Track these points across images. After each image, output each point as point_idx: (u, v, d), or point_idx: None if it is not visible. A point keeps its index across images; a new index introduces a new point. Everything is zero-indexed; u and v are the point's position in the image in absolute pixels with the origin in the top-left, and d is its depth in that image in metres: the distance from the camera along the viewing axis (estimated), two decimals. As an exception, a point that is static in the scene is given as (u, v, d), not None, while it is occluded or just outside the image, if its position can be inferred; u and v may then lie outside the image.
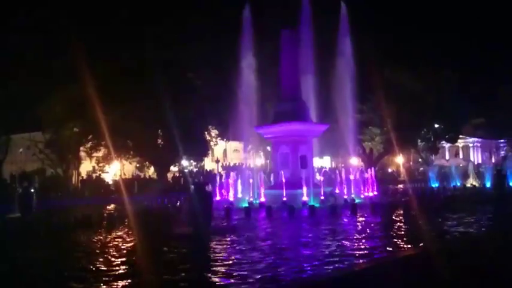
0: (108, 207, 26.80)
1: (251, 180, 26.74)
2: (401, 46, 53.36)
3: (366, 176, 29.02)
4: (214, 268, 9.58)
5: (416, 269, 8.09)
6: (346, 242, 12.36)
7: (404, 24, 77.43)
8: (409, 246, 11.60)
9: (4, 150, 43.05)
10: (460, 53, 65.94)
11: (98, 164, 49.06)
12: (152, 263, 10.23)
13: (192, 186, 16.85)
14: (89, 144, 45.48)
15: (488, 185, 35.98)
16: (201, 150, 47.69)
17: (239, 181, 27.80)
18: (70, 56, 33.92)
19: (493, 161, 78.69)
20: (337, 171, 29.59)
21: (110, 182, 44.93)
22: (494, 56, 72.21)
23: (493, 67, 70.78)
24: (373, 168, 30.10)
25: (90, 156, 47.65)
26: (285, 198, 23.63)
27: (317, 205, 21.96)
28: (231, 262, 10.13)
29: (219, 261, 10.33)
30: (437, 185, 39.41)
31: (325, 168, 42.81)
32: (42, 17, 38.51)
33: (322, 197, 24.27)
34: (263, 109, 32.68)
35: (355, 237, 13.38)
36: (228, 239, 13.52)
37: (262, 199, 24.61)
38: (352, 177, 26.68)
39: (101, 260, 10.79)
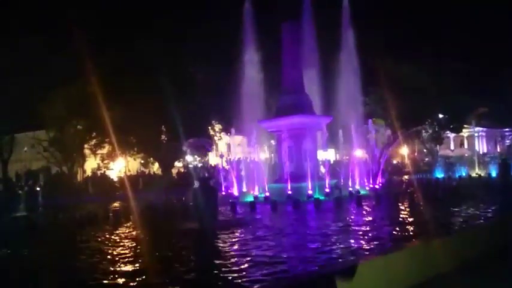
0: (113, 204, 26.87)
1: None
2: (403, 37, 53.08)
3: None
4: (220, 263, 9.58)
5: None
6: (351, 235, 12.36)
7: (406, 15, 76.84)
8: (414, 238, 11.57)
9: (8, 149, 43.22)
10: (463, 42, 65.41)
11: (102, 161, 49.18)
12: (158, 258, 10.25)
13: (197, 182, 16.86)
14: (93, 142, 45.57)
15: (493, 174, 35.83)
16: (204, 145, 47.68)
17: (243, 175, 27.83)
18: (73, 53, 33.95)
19: (498, 150, 78.41)
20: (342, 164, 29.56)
21: (115, 179, 45.04)
22: (497, 44, 71.62)
23: (496, 55, 70.22)
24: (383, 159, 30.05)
25: (94, 153, 47.77)
26: (289, 192, 23.63)
27: (322, 198, 21.94)
28: (237, 257, 10.12)
29: (225, 256, 10.34)
30: (442, 175, 39.27)
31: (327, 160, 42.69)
32: (45, 15, 38.57)
33: (327, 190, 24.25)
34: (266, 102, 32.60)
35: (359, 230, 13.35)
36: (234, 233, 13.52)
37: (267, 193, 24.60)
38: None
39: (106, 256, 10.83)
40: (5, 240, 13.83)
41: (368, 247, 10.54)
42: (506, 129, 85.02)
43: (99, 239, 13.74)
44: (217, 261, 9.74)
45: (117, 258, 10.47)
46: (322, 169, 28.79)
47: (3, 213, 21.38)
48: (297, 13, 28.73)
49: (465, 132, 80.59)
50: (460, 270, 7.86)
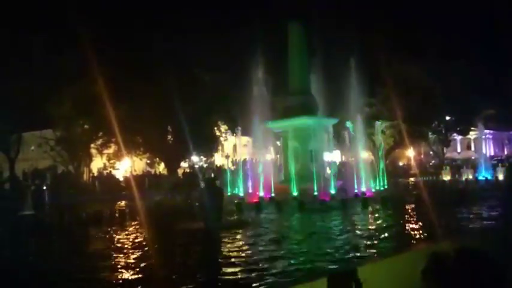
0: (119, 203, 26.97)
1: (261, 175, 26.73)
2: (410, 37, 52.76)
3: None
4: (224, 263, 9.60)
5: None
6: (356, 237, 12.35)
7: (413, 16, 76.67)
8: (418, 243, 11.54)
9: (16, 148, 43.42)
10: (470, 43, 65.16)
11: (108, 160, 49.31)
12: (162, 258, 10.28)
13: (203, 182, 16.89)
14: (99, 141, 45.71)
15: (500, 177, 35.63)
16: (210, 145, 47.74)
17: (249, 176, 27.83)
18: (79, 53, 34.08)
19: (506, 153, 77.96)
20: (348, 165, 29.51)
21: (121, 179, 45.17)
22: (504, 45, 71.23)
23: (504, 57, 69.90)
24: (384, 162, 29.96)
25: (100, 153, 47.90)
26: (295, 193, 23.60)
27: (327, 199, 21.90)
28: (241, 257, 10.13)
29: (229, 256, 10.35)
30: (448, 177, 39.09)
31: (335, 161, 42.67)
32: (51, 14, 38.76)
33: (333, 191, 24.20)
34: (273, 103, 32.57)
35: (365, 232, 13.32)
36: (239, 234, 13.54)
37: (273, 194, 24.58)
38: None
39: (112, 256, 10.86)
40: (10, 239, 13.93)
41: (373, 249, 10.52)
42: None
43: (104, 239, 13.79)
44: (221, 262, 9.76)
45: (120, 259, 10.51)
46: (328, 170, 28.74)
47: (10, 212, 21.50)
48: (304, 14, 28.68)
49: (472, 135, 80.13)
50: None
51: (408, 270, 7.18)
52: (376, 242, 11.39)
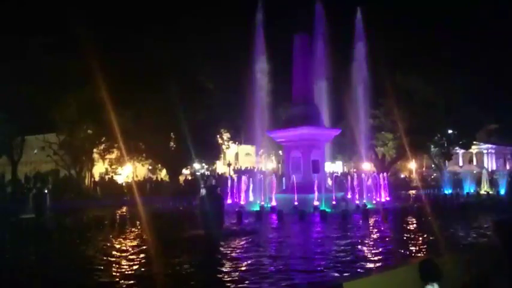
0: (120, 209, 26.98)
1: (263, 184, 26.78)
2: (414, 50, 52.87)
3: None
4: (223, 271, 9.62)
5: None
6: (355, 249, 12.34)
7: (416, 28, 76.86)
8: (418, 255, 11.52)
9: (19, 151, 43.57)
10: (473, 57, 65.29)
11: (110, 166, 49.43)
12: (162, 265, 10.30)
13: (204, 190, 16.92)
14: (102, 146, 45.85)
15: (502, 192, 35.60)
16: (213, 153, 47.79)
17: (251, 185, 27.86)
18: (83, 58, 34.27)
19: (507, 167, 77.81)
20: (349, 176, 29.52)
21: (122, 184, 45.23)
22: (508, 59, 71.30)
23: (507, 70, 69.91)
24: (385, 174, 30.01)
25: (103, 158, 48.03)
26: (296, 203, 23.61)
27: (328, 210, 21.90)
28: (240, 265, 10.15)
29: (230, 264, 10.37)
30: (450, 191, 39.03)
31: (337, 173, 42.74)
32: (57, 17, 39.02)
33: (334, 202, 24.20)
34: (275, 113, 32.65)
35: (364, 244, 13.30)
36: (239, 242, 13.55)
37: (274, 203, 24.60)
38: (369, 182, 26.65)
39: (111, 261, 10.88)
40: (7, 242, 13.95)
41: (372, 262, 10.53)
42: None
43: (103, 244, 13.80)
44: (220, 269, 9.78)
45: (118, 265, 10.52)
46: (329, 181, 28.76)
47: (11, 215, 21.55)
48: (309, 24, 28.83)
49: (474, 149, 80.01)
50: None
51: (401, 285, 7.20)
52: (369, 255, 11.38)
